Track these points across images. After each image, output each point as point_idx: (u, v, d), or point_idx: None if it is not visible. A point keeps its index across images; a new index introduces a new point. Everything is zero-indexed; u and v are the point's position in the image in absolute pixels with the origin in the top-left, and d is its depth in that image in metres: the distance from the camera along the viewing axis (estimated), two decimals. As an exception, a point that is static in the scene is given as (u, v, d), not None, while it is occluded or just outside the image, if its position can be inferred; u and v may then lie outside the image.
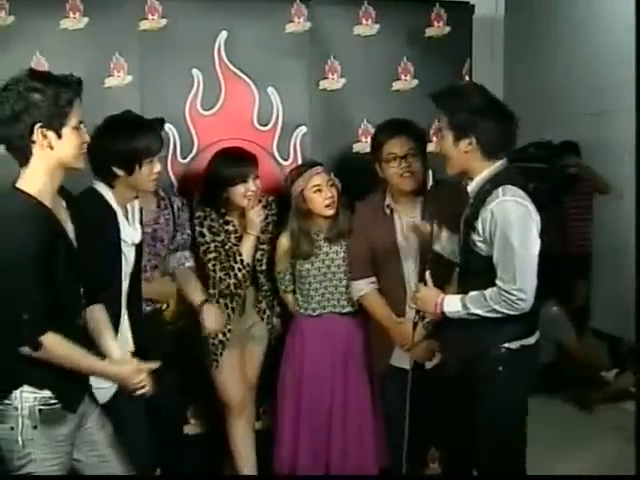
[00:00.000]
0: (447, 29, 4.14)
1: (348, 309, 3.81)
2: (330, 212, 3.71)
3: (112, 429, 2.82)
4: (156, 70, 3.89)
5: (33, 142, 2.47)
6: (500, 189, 2.93)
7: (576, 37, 6.55)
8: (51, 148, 2.48)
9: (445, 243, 3.32)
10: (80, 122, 2.56)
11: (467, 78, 4.11)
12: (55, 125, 2.48)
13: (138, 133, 3.08)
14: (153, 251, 3.57)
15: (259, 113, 4.02)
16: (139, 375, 2.70)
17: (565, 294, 6.05)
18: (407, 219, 3.64)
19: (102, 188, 3.08)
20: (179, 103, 3.90)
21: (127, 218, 3.15)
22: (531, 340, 3.09)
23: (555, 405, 5.40)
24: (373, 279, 3.71)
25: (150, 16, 3.89)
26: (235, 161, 3.68)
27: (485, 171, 3.02)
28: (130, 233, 3.13)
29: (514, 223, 2.89)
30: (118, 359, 2.77)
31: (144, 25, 3.89)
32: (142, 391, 2.73)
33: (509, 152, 3.08)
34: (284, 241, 3.78)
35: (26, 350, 2.44)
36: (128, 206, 3.16)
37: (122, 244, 3.07)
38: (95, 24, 3.83)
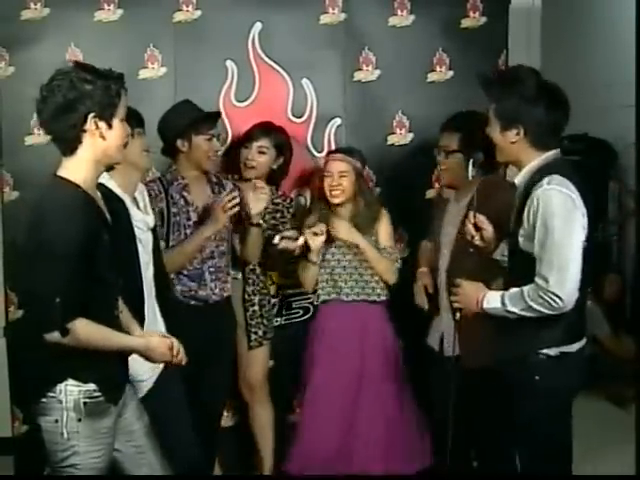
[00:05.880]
0: (483, 20, 4.09)
1: (364, 297, 3.77)
2: (334, 200, 3.70)
3: (149, 420, 2.82)
4: (190, 62, 3.90)
5: (84, 131, 2.49)
6: (546, 178, 2.76)
7: (614, 28, 6.45)
8: (103, 138, 2.51)
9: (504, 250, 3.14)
10: (125, 115, 2.60)
11: (506, 68, 4.05)
12: (106, 115, 2.51)
13: None
14: (218, 236, 3.60)
15: (293, 105, 4.02)
16: (166, 344, 2.68)
17: (600, 288, 5.98)
18: (456, 208, 3.55)
19: (105, 179, 3.00)
20: (213, 95, 3.91)
21: (137, 205, 3.15)
22: (573, 347, 2.89)
23: (590, 401, 5.33)
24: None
25: (184, 8, 3.90)
26: (254, 126, 3.78)
27: (535, 161, 2.87)
28: (143, 218, 3.13)
29: (556, 213, 2.71)
30: (145, 333, 2.80)
31: (178, 17, 3.90)
32: (176, 361, 2.71)
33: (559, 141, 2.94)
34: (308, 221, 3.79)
35: (54, 336, 2.42)
36: (137, 194, 3.17)
37: (136, 231, 3.05)
38: (129, 16, 3.86)
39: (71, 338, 2.43)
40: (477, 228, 3.10)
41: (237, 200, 3.47)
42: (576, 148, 6.10)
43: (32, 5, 3.79)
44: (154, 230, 3.21)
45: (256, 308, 3.86)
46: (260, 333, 3.87)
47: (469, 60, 4.01)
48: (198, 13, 3.91)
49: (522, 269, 2.84)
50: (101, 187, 2.93)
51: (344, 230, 3.69)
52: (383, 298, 3.81)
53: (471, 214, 3.12)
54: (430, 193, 4.08)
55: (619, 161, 6.29)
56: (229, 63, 3.95)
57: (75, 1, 3.83)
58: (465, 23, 4.09)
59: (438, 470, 3.59)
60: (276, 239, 3.66)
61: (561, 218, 2.72)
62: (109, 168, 2.74)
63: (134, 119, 3.06)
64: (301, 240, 3.64)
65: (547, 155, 2.87)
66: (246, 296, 3.85)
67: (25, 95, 3.73)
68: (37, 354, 2.58)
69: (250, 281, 3.85)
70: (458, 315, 3.16)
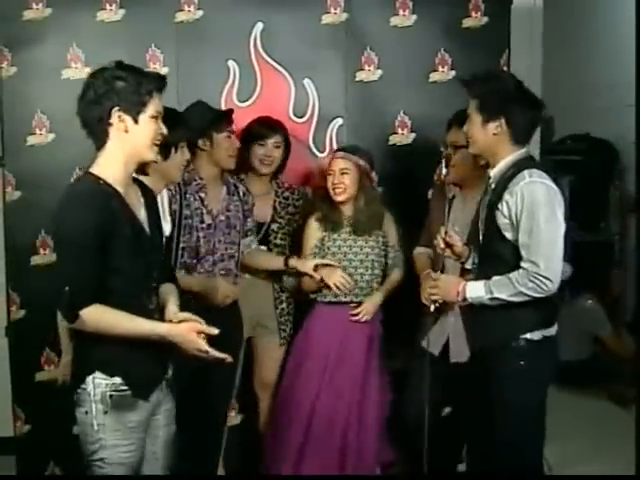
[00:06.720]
0: (485, 20, 4.09)
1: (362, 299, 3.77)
2: (337, 198, 3.70)
3: (175, 431, 2.82)
4: (192, 62, 3.91)
5: (110, 125, 2.54)
6: (526, 172, 2.94)
7: (616, 28, 6.45)
8: (126, 131, 2.55)
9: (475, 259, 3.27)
10: (160, 113, 2.63)
11: (505, 69, 4.05)
12: (133, 111, 2.55)
13: (177, 117, 3.12)
14: (228, 239, 3.61)
15: (295, 105, 4.02)
16: (193, 333, 2.56)
17: (601, 286, 5.98)
18: (463, 206, 3.58)
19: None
20: (215, 95, 3.91)
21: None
22: (552, 331, 3.08)
23: (591, 401, 5.34)
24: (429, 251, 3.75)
25: (186, 8, 3.90)
26: (260, 122, 3.80)
27: (510, 156, 3.03)
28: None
29: (541, 204, 2.89)
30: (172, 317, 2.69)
31: (180, 17, 3.91)
32: (201, 352, 2.57)
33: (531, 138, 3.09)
34: (312, 220, 3.78)
35: (66, 322, 2.52)
36: (157, 198, 3.15)
37: None
38: (131, 16, 3.86)
39: (79, 323, 2.48)
40: (448, 244, 3.24)
41: None
42: (578, 148, 6.13)
43: (34, 5, 3.80)
44: (169, 239, 3.20)
45: (284, 305, 3.90)
46: (287, 330, 3.92)
47: (471, 60, 4.00)
48: (200, 13, 3.91)
49: (499, 253, 3.02)
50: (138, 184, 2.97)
51: (372, 309, 3.74)
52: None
53: (442, 229, 3.25)
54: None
55: (621, 161, 6.29)
56: (231, 63, 3.95)
57: (77, 1, 3.83)
58: (467, 23, 4.08)
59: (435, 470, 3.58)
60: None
61: (546, 207, 2.90)
62: (142, 171, 2.78)
63: (181, 133, 3.10)
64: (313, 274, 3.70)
65: (520, 152, 3.05)
66: (275, 294, 3.89)
67: (27, 95, 3.80)
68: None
69: (278, 279, 3.87)
70: (433, 307, 3.28)
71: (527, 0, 4.44)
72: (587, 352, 5.64)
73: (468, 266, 3.26)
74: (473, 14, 4.08)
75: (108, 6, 3.84)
